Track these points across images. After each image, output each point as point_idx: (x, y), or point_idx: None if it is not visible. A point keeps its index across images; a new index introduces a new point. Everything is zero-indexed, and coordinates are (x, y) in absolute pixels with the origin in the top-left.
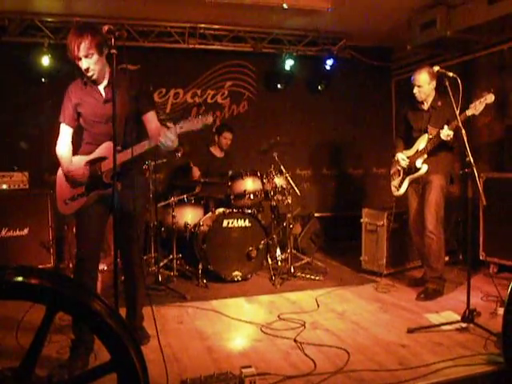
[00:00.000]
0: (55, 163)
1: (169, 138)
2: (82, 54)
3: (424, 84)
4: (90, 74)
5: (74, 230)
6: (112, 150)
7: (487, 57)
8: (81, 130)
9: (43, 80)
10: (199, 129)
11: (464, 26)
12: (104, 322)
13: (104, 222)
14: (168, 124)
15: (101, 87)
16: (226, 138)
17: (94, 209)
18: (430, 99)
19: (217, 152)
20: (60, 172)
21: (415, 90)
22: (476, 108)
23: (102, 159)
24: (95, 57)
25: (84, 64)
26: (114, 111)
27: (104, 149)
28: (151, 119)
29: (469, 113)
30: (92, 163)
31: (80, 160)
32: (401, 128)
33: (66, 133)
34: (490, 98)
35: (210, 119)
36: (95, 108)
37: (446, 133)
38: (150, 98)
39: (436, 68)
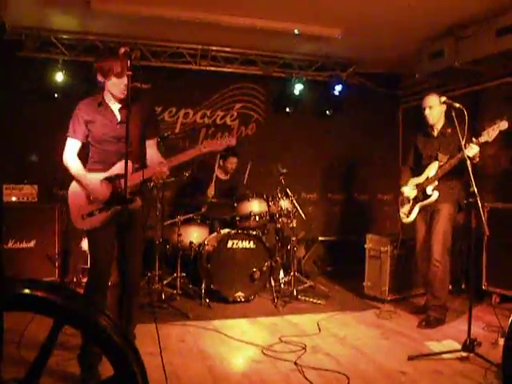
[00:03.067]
0: (65, 178)
1: (161, 176)
2: (125, 72)
3: (435, 105)
4: (126, 92)
5: (87, 245)
6: (129, 168)
7: (495, 88)
8: (86, 148)
9: (56, 95)
10: (221, 150)
11: (472, 57)
12: (110, 337)
13: (114, 238)
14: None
15: (114, 108)
16: (232, 162)
17: (109, 225)
18: (440, 125)
19: (221, 174)
20: (75, 186)
21: (426, 112)
22: (489, 135)
23: (119, 176)
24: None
25: (125, 81)
26: (128, 131)
27: (122, 167)
28: (152, 145)
29: (482, 139)
30: (110, 180)
31: (96, 177)
32: (409, 156)
33: (74, 147)
34: (503, 124)
35: (233, 142)
36: (108, 128)
37: (475, 149)
38: (156, 125)
39: (443, 98)
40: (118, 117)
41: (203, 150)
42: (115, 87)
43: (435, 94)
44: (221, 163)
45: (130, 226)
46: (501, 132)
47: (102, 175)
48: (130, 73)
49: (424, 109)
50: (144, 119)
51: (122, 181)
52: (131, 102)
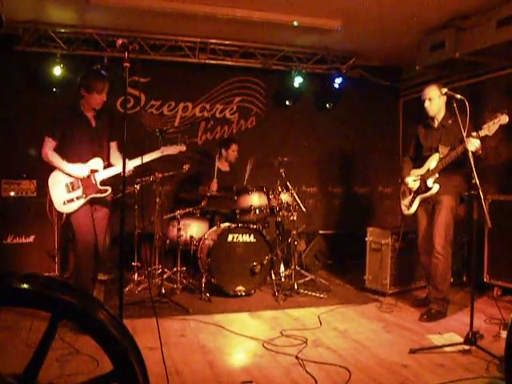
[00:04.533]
0: None
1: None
2: (105, 90)
3: (434, 97)
4: (102, 104)
5: (74, 226)
6: (101, 164)
7: (495, 79)
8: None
9: (54, 90)
10: (175, 154)
11: (473, 49)
12: (108, 331)
13: (92, 215)
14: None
15: (90, 116)
16: (234, 150)
17: (86, 205)
18: (441, 116)
19: (223, 166)
20: (54, 177)
21: (426, 104)
22: (489, 129)
23: (96, 171)
24: None
25: (104, 97)
26: (124, 122)
27: (95, 163)
28: (114, 146)
29: (482, 133)
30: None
31: (79, 167)
32: (410, 147)
33: (52, 146)
34: (503, 118)
35: (183, 148)
36: (84, 132)
37: (476, 143)
38: (116, 132)
39: (444, 90)
40: (92, 123)
41: (162, 154)
42: (95, 101)
43: (435, 85)
44: (223, 153)
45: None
46: (501, 125)
47: (75, 166)
48: (128, 64)
49: (424, 101)
50: (110, 125)
51: (95, 175)
52: (102, 112)
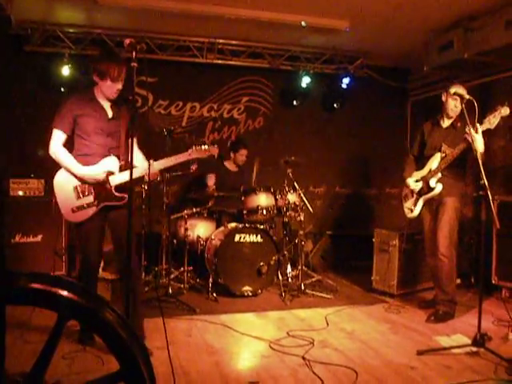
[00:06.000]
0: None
1: (153, 172)
2: (121, 77)
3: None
4: (117, 94)
5: (80, 241)
6: (116, 163)
7: (504, 80)
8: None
9: (62, 89)
10: (205, 157)
11: (481, 49)
12: (115, 332)
13: (103, 230)
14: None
15: (105, 104)
16: (243, 154)
17: (98, 218)
18: (453, 117)
19: (231, 166)
20: (61, 180)
21: (456, 103)
22: (490, 122)
23: (111, 173)
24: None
25: (119, 85)
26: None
27: (110, 163)
28: (135, 143)
29: (483, 127)
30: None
31: (93, 169)
32: (415, 144)
33: (61, 139)
34: (504, 110)
35: (216, 151)
36: (99, 122)
37: (479, 138)
38: (137, 125)
39: (453, 90)
40: (109, 113)
41: (190, 157)
42: (108, 89)
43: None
44: (231, 155)
45: (122, 220)
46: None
47: (87, 168)
48: (136, 64)
49: (455, 99)
50: (129, 119)
51: (110, 178)
52: (122, 102)
